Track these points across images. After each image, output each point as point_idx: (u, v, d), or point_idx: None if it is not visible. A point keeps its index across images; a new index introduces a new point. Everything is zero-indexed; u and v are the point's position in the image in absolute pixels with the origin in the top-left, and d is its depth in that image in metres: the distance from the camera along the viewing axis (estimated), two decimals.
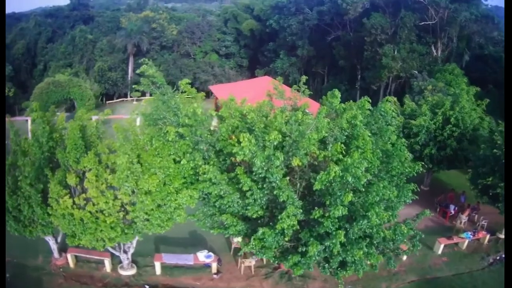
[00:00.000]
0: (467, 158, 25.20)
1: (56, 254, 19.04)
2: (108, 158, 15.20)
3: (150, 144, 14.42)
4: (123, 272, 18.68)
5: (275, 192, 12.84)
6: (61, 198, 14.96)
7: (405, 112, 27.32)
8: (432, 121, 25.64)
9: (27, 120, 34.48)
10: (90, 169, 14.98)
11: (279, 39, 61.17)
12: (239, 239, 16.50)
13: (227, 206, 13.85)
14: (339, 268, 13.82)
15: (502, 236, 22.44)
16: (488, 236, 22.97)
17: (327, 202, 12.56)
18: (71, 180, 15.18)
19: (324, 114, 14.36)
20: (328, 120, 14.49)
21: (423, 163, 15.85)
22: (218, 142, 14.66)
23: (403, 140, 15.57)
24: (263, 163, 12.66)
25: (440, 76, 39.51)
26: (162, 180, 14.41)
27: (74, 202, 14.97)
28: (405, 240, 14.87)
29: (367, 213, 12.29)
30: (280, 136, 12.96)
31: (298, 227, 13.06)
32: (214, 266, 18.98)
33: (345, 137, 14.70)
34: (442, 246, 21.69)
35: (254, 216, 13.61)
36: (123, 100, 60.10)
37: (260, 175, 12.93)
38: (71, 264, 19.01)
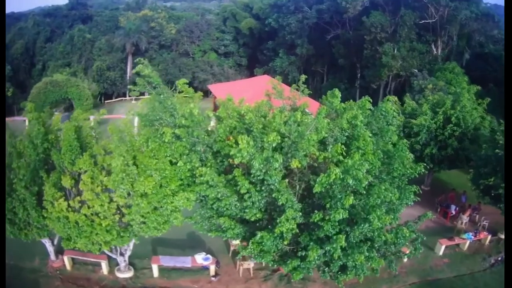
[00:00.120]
0: (468, 158, 24.98)
1: (52, 256, 18.88)
2: (104, 160, 14.99)
3: (146, 145, 14.17)
4: (120, 275, 18.52)
5: (273, 195, 12.58)
6: (56, 200, 14.76)
7: (406, 111, 27.10)
8: (433, 121, 25.42)
9: (25, 120, 34.31)
10: (85, 171, 14.77)
11: (278, 37, 60.96)
12: (238, 241, 16.27)
13: (224, 208, 13.58)
14: (339, 272, 13.56)
15: (504, 236, 22.21)
16: (489, 237, 22.85)
17: (328, 205, 12.28)
18: (66, 182, 14.96)
19: (324, 114, 14.07)
20: (328, 120, 14.21)
21: (424, 163, 15.54)
22: (216, 143, 14.38)
23: (405, 140, 15.28)
24: (262, 165, 12.39)
25: (441, 74, 39.30)
26: (158, 182, 14.14)
27: (69, 205, 14.75)
28: (406, 244, 14.62)
29: (368, 216, 12.02)
30: (279, 137, 12.68)
31: (297, 230, 12.79)
32: (212, 269, 18.78)
33: (345, 137, 14.40)
34: (443, 247, 21.55)
35: (253, 219, 13.34)
36: (121, 100, 59.81)
37: (259, 178, 12.65)
38: (68, 267, 18.88)
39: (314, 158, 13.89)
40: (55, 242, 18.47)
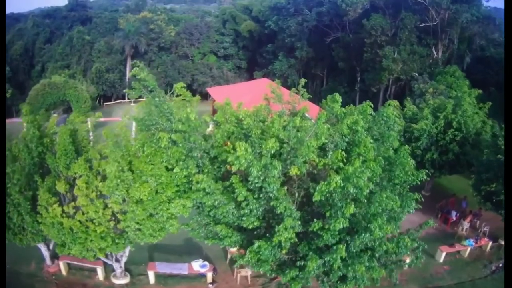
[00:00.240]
0: (469, 163, 24.76)
1: (48, 261, 18.75)
2: (100, 164, 14.73)
3: (142, 150, 13.90)
4: (116, 281, 18.33)
5: (272, 203, 12.27)
6: (50, 206, 14.51)
7: (406, 116, 26.90)
8: (433, 125, 25.19)
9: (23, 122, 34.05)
10: (80, 176, 14.51)
11: (278, 40, 60.74)
12: (235, 249, 16.00)
13: (222, 216, 13.27)
14: (339, 282, 13.24)
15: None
16: (490, 243, 22.67)
17: (327, 214, 11.98)
18: (61, 187, 14.73)
19: (324, 119, 13.80)
20: (328, 125, 13.93)
21: (427, 171, 15.25)
22: (213, 149, 14.09)
23: (406, 147, 14.94)
24: (260, 173, 12.09)
25: (441, 78, 39.15)
26: (154, 189, 13.87)
27: (63, 211, 14.50)
28: (408, 253, 14.33)
29: (369, 225, 11.73)
30: (278, 144, 12.40)
31: (296, 239, 12.49)
32: (210, 276, 18.55)
33: (345, 143, 14.13)
34: (444, 254, 21.39)
35: (250, 227, 13.04)
36: (120, 102, 59.58)
37: (257, 185, 12.34)
38: (64, 272, 18.74)
39: (313, 165, 13.60)
40: (51, 247, 18.28)
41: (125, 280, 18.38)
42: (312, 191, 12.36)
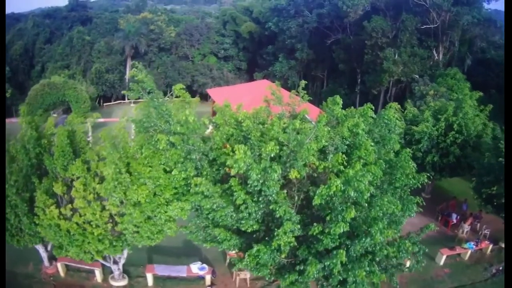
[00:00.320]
0: (470, 166, 24.62)
1: (46, 262, 18.63)
2: (98, 166, 14.58)
3: (140, 152, 13.76)
4: (114, 283, 18.23)
5: (271, 207, 12.11)
6: (48, 208, 14.37)
7: (407, 118, 26.78)
8: (434, 128, 25.08)
9: None
10: (78, 177, 14.38)
11: (278, 42, 60.65)
12: (234, 252, 15.85)
13: (220, 219, 13.11)
14: (338, 286, 13.07)
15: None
16: (490, 246, 22.57)
17: (328, 218, 11.82)
18: (58, 188, 14.61)
19: (325, 122, 13.66)
20: (328, 128, 13.79)
21: (428, 174, 15.11)
22: (212, 151, 13.94)
23: (408, 150, 14.80)
24: (259, 176, 11.94)
25: (442, 80, 38.97)
26: (152, 191, 13.73)
27: (60, 213, 14.36)
28: (408, 257, 14.20)
29: (369, 229, 11.58)
30: (277, 147, 12.25)
31: (295, 243, 12.33)
32: (208, 278, 18.43)
33: (346, 146, 13.99)
34: (444, 257, 21.33)
35: (249, 230, 12.88)
36: (120, 103, 59.45)
37: (256, 188, 12.19)
38: (62, 273, 18.67)
39: (313, 168, 13.44)
40: (49, 248, 18.14)
41: (123, 282, 18.26)
42: (312, 195, 12.21)
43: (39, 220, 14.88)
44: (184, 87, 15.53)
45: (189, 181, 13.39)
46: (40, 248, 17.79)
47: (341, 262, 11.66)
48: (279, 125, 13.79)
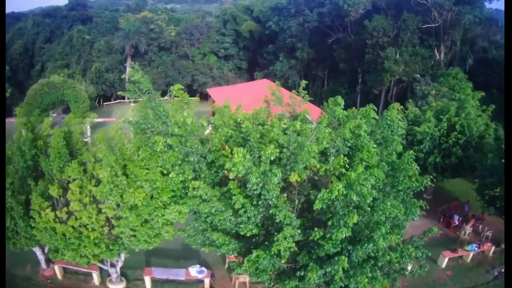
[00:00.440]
0: (472, 167, 24.38)
1: (43, 264, 18.49)
2: (94, 168, 14.30)
3: (137, 154, 13.49)
4: (111, 286, 18.12)
5: (271, 211, 11.83)
6: (43, 210, 14.13)
7: (408, 118, 26.52)
8: (436, 128, 24.80)
9: None
10: (74, 180, 14.13)
11: (279, 41, 60.40)
12: (233, 256, 15.59)
13: (219, 223, 12.83)
14: None
15: None
16: (493, 248, 22.37)
17: (329, 223, 11.54)
18: (54, 191, 14.39)
19: (326, 123, 13.37)
20: (329, 130, 13.49)
21: (431, 176, 14.85)
22: (210, 154, 13.66)
23: (411, 152, 14.48)
24: (259, 179, 11.65)
25: (444, 80, 38.68)
26: (149, 194, 13.47)
27: (56, 216, 14.12)
28: (411, 262, 13.93)
29: (372, 234, 11.29)
30: (277, 150, 11.96)
31: (296, 248, 12.05)
32: (207, 282, 18.21)
33: (348, 148, 13.69)
34: (446, 259, 21.10)
35: (248, 235, 12.60)
36: (120, 102, 59.24)
37: (255, 192, 11.90)
38: (59, 276, 18.52)
39: (314, 171, 13.14)
40: (46, 250, 17.97)
41: (121, 285, 18.11)
42: (313, 198, 11.92)
43: (34, 223, 14.68)
44: (183, 87, 15.26)
45: (187, 184, 13.11)
46: (37, 250, 17.65)
47: (343, 268, 11.38)
48: (279, 126, 13.50)
